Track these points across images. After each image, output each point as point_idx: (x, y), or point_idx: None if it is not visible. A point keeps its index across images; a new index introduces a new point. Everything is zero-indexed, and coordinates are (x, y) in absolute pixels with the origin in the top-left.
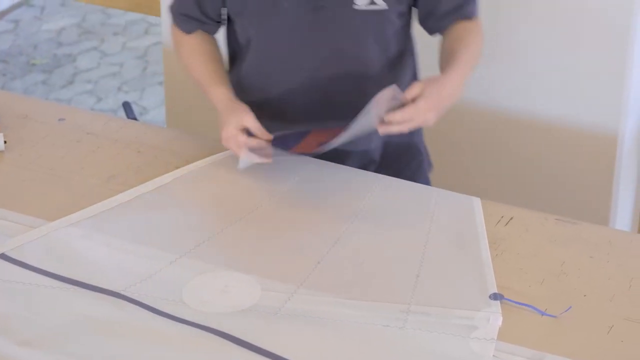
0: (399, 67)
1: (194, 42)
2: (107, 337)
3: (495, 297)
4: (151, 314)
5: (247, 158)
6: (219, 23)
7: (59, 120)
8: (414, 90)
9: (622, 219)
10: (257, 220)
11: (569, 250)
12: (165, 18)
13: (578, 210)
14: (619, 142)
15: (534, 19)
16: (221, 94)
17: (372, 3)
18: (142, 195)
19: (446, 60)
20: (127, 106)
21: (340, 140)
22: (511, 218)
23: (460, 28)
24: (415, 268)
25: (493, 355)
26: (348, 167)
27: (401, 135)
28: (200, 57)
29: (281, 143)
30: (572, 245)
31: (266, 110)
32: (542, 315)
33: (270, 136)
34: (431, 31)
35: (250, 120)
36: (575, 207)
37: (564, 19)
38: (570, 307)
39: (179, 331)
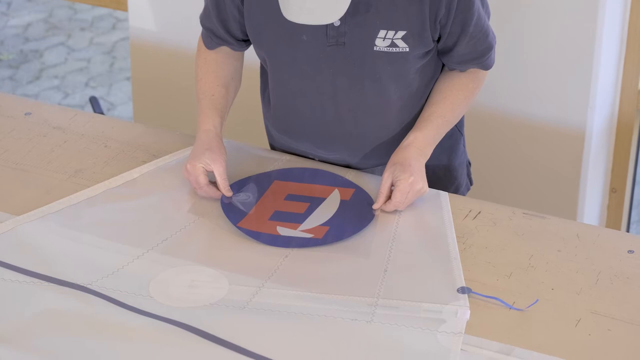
0: (422, 97)
1: (212, 59)
2: (73, 331)
3: (463, 290)
4: (118, 307)
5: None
6: (246, 41)
7: (26, 114)
8: (383, 192)
9: (589, 213)
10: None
11: (537, 244)
12: (133, 13)
13: (546, 205)
14: (586, 137)
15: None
16: (210, 126)
17: (393, 45)
18: (109, 190)
19: (427, 106)
20: (94, 101)
21: (290, 234)
22: (479, 212)
23: (462, 76)
24: (382, 262)
25: (461, 349)
26: (318, 162)
27: (439, 159)
28: (210, 77)
29: (235, 208)
30: (539, 239)
31: (290, 128)
32: (510, 308)
33: (230, 192)
34: (449, 68)
35: (219, 167)
36: (543, 201)
37: (532, 18)
38: (537, 300)
39: (146, 325)
